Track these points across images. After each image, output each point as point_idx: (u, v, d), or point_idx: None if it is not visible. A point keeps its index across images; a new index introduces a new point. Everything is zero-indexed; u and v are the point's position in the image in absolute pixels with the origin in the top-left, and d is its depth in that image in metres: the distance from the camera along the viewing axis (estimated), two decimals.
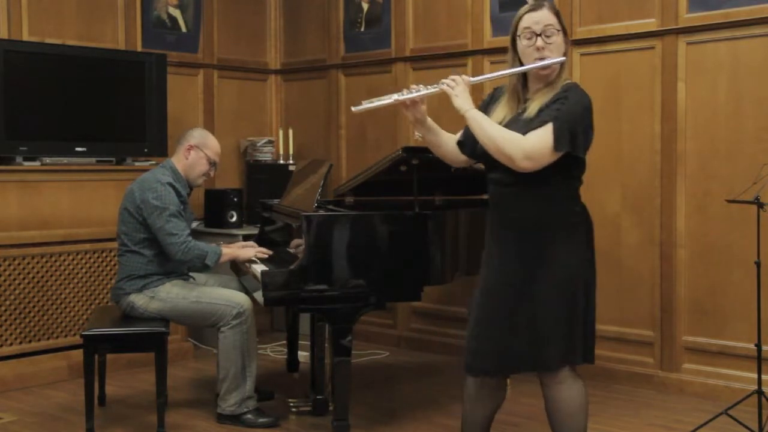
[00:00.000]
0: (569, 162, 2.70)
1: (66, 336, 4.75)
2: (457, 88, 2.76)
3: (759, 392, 3.54)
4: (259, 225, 4.81)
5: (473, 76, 2.86)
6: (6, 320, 4.53)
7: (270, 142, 6.07)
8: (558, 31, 2.74)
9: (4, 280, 4.52)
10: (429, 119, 2.90)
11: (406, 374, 4.93)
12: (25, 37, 4.84)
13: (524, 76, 2.81)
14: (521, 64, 2.78)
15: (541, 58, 2.71)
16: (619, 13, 4.56)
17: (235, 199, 5.66)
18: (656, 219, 4.49)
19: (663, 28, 4.41)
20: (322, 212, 3.70)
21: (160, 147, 5.09)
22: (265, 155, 6.04)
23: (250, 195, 5.88)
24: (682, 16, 4.35)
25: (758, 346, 3.59)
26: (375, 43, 5.66)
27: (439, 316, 5.39)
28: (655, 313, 4.50)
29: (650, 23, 4.46)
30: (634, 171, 4.53)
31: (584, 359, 2.81)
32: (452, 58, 5.22)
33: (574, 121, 2.65)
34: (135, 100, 5.04)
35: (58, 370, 4.70)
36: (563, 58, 2.74)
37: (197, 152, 4.08)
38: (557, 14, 2.76)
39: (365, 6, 5.69)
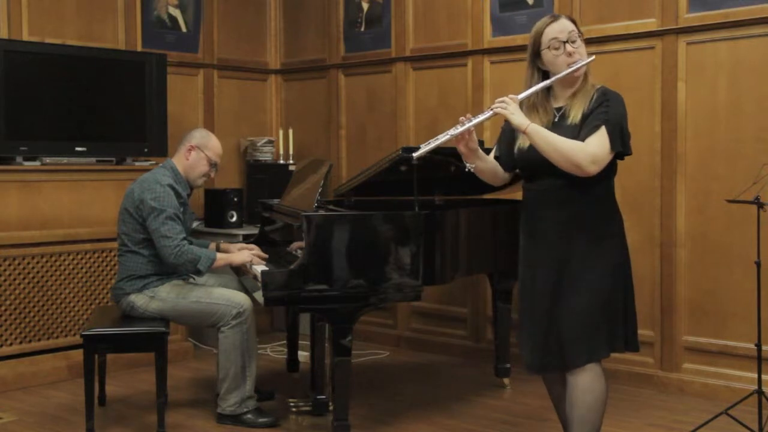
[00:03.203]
0: (612, 161, 2.86)
1: (66, 336, 4.75)
2: (511, 106, 2.82)
3: (759, 392, 3.54)
4: (259, 225, 4.81)
5: (517, 94, 2.89)
6: (6, 320, 4.53)
7: (270, 142, 6.07)
8: (579, 35, 2.88)
9: (4, 280, 4.52)
10: (480, 149, 2.97)
11: (406, 374, 4.93)
12: (25, 37, 4.84)
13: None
14: (544, 76, 2.90)
15: (573, 63, 2.85)
16: (619, 13, 4.57)
17: (235, 199, 5.66)
18: (656, 219, 4.49)
19: (663, 28, 4.41)
20: (322, 212, 3.70)
21: (160, 147, 5.09)
22: (265, 155, 6.04)
23: (250, 195, 5.88)
24: (682, 16, 4.35)
25: (758, 346, 3.59)
26: (375, 43, 5.66)
27: (439, 316, 5.39)
28: (655, 313, 4.50)
29: (650, 23, 4.46)
30: (634, 171, 4.52)
31: (627, 348, 2.92)
32: (452, 58, 5.21)
33: (620, 122, 2.84)
34: (135, 100, 5.04)
35: (58, 370, 4.70)
36: (593, 57, 2.88)
37: (198, 153, 4.08)
38: (574, 22, 2.92)
39: (365, 6, 5.69)
